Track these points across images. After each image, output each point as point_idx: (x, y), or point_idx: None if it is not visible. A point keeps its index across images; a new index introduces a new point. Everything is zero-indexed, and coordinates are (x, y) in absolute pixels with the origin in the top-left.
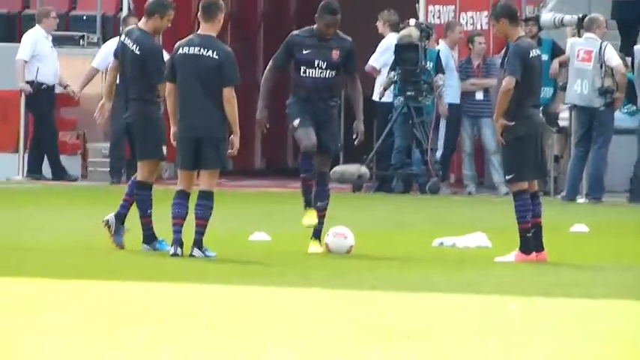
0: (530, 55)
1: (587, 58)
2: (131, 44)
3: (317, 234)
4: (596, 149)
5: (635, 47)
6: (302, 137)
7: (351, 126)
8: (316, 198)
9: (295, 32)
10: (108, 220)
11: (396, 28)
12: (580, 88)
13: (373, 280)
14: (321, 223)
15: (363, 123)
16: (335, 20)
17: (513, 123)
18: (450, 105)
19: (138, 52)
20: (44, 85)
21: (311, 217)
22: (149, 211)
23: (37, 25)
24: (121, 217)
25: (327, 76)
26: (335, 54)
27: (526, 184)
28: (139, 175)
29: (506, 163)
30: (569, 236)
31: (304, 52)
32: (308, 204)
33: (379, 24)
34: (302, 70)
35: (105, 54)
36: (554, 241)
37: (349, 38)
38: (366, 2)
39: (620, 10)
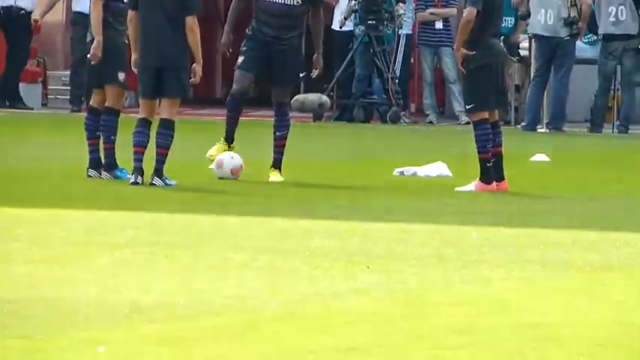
0: None
1: None
2: None
3: (277, 163)
4: (558, 78)
5: None
6: (236, 79)
7: (312, 56)
8: (275, 128)
9: None
10: (99, 176)
11: None
12: (544, 18)
13: (333, 209)
14: (280, 152)
15: (323, 52)
16: None
17: (474, 52)
18: (405, 35)
19: None
20: (23, 11)
21: (218, 150)
22: (112, 138)
23: None
24: (107, 165)
25: (291, 2)
26: None
27: (486, 113)
28: (108, 101)
29: (466, 93)
30: (530, 166)
31: None
32: (227, 138)
33: None
34: None
35: None
36: (515, 171)
37: None
38: None
39: None
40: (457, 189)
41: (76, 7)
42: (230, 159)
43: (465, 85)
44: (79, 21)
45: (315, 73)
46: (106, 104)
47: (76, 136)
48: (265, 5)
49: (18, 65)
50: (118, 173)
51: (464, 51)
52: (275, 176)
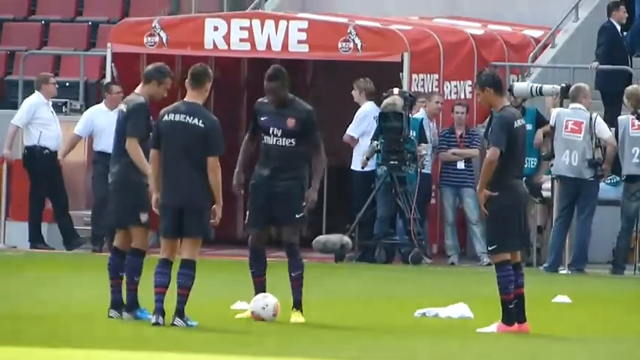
0: (515, 125)
1: (577, 129)
2: (124, 107)
3: (297, 304)
4: (582, 220)
5: (619, 118)
6: (250, 234)
7: (335, 194)
8: (290, 269)
9: (260, 99)
10: (120, 316)
11: (371, 96)
12: (569, 159)
13: (354, 350)
14: (299, 292)
15: (344, 193)
16: (274, 86)
17: (497, 193)
18: (424, 174)
19: (125, 111)
20: (46, 150)
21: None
22: (136, 279)
23: (36, 91)
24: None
25: (282, 144)
26: (290, 122)
27: (509, 255)
28: (134, 242)
29: (489, 234)
30: (551, 307)
31: (262, 118)
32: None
33: (355, 92)
34: (262, 137)
35: (87, 120)
36: (536, 312)
37: (308, 107)
38: (348, 72)
39: (604, 80)
40: (479, 330)
41: (98, 146)
42: (262, 310)
43: (488, 226)
44: (100, 160)
45: (305, 208)
46: (132, 245)
47: (97, 276)
48: (262, 147)
49: (61, 207)
50: (139, 314)
51: (487, 192)
52: (297, 317)
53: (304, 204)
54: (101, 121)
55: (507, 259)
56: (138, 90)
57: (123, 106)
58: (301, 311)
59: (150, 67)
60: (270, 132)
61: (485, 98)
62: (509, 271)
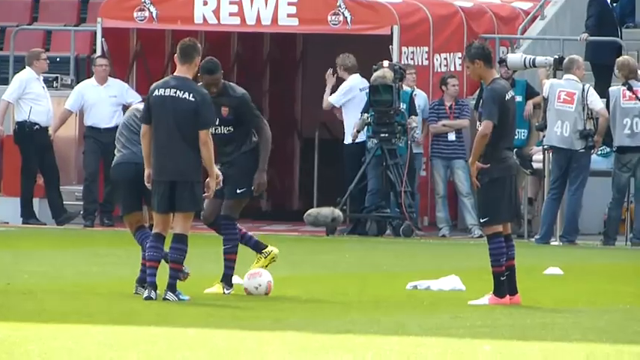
0: (506, 97)
1: (570, 100)
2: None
3: (225, 278)
4: (572, 191)
5: (610, 89)
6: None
7: (325, 170)
8: (224, 242)
9: None
10: (166, 298)
11: (353, 70)
12: (560, 130)
13: (347, 323)
14: (227, 267)
15: (336, 165)
16: (213, 79)
17: (488, 165)
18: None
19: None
20: (37, 126)
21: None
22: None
23: (27, 66)
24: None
25: (222, 132)
26: (224, 110)
27: (500, 227)
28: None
29: (480, 206)
30: (543, 279)
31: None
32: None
33: (338, 69)
34: None
35: (77, 95)
36: (528, 284)
37: (240, 92)
38: (338, 46)
39: (595, 52)
40: (470, 302)
41: (88, 121)
42: (255, 289)
43: (479, 198)
44: (90, 135)
45: (255, 189)
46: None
47: (88, 251)
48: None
49: (52, 182)
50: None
51: (479, 165)
52: (214, 287)
53: (252, 187)
54: (91, 96)
55: (499, 231)
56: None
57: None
58: (224, 285)
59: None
60: None
61: (475, 71)
62: (501, 243)
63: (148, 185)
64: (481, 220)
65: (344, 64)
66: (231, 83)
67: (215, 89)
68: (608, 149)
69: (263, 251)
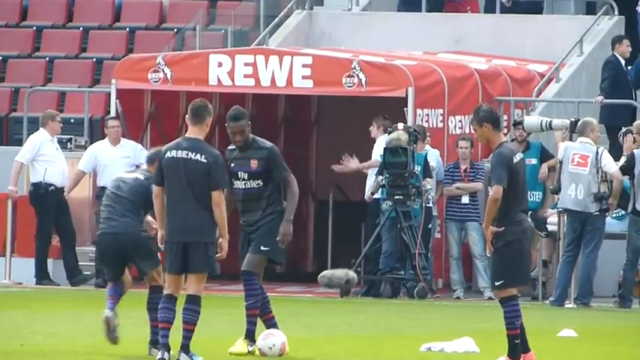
0: (514, 160)
1: (584, 163)
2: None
3: (248, 334)
4: (587, 254)
5: (635, 151)
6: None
7: (340, 228)
8: (245, 298)
9: (229, 147)
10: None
11: (386, 132)
12: (575, 193)
13: None
14: (249, 322)
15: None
16: (238, 126)
17: (502, 229)
18: (428, 209)
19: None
20: (52, 187)
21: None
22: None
23: (40, 128)
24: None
25: (251, 186)
26: (253, 163)
27: (515, 290)
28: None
29: (495, 269)
30: (557, 341)
31: (231, 165)
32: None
33: (372, 129)
34: (233, 183)
35: (90, 156)
36: (542, 346)
37: (268, 144)
38: (353, 108)
39: (609, 114)
40: None
41: (101, 182)
42: (269, 350)
43: (494, 261)
44: (103, 196)
45: (280, 240)
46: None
47: (101, 311)
48: (237, 192)
49: (69, 243)
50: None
51: (493, 228)
52: (239, 346)
53: (277, 238)
54: (104, 157)
55: (514, 294)
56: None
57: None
58: (249, 342)
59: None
60: (239, 176)
61: (482, 134)
62: (517, 306)
63: (162, 247)
64: (496, 283)
65: (384, 125)
66: (258, 137)
67: (240, 138)
68: (623, 212)
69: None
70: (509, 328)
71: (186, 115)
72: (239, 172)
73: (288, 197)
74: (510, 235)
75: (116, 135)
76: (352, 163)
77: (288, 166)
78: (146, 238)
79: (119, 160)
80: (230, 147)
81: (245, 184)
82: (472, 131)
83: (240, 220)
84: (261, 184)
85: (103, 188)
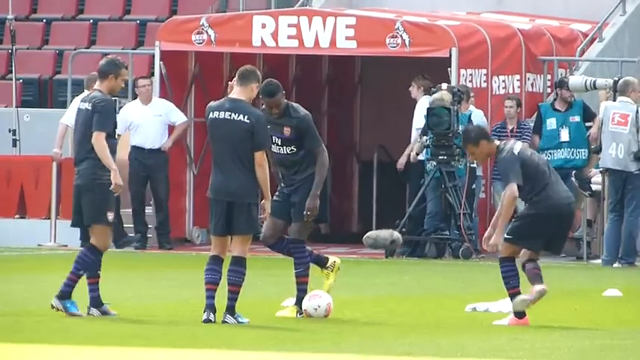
0: (514, 152)
1: (624, 122)
2: (87, 104)
3: (296, 300)
4: (629, 213)
5: None
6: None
7: (384, 191)
8: (296, 264)
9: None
10: (52, 305)
11: (428, 92)
12: (615, 152)
13: (406, 346)
14: (300, 290)
15: (396, 187)
16: (274, 101)
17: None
18: (472, 169)
19: (90, 107)
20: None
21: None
22: (81, 273)
23: (85, 90)
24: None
25: (284, 152)
26: (286, 130)
27: (518, 250)
28: (96, 241)
29: (512, 226)
30: (602, 300)
31: (268, 128)
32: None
33: (412, 89)
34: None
35: (123, 117)
36: (587, 306)
37: (302, 113)
38: (397, 68)
39: None
40: (495, 323)
41: (133, 141)
42: (314, 311)
43: (515, 220)
44: (135, 156)
45: (305, 215)
46: (94, 243)
47: (144, 274)
48: (273, 156)
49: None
50: (69, 305)
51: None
52: (286, 311)
53: (304, 212)
54: (137, 116)
55: (514, 256)
56: (96, 86)
57: (87, 104)
58: (298, 308)
59: (103, 61)
60: (273, 141)
61: (482, 151)
62: (514, 266)
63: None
64: (506, 236)
65: (424, 85)
66: (294, 104)
67: (277, 110)
68: None
69: (327, 266)
70: (509, 287)
71: (231, 80)
72: (273, 137)
73: (317, 169)
74: (542, 209)
75: (147, 94)
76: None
77: (332, 126)
78: (91, 190)
79: (151, 118)
80: (263, 107)
81: (279, 149)
82: (514, 91)
83: (279, 177)
84: (295, 149)
85: (134, 147)
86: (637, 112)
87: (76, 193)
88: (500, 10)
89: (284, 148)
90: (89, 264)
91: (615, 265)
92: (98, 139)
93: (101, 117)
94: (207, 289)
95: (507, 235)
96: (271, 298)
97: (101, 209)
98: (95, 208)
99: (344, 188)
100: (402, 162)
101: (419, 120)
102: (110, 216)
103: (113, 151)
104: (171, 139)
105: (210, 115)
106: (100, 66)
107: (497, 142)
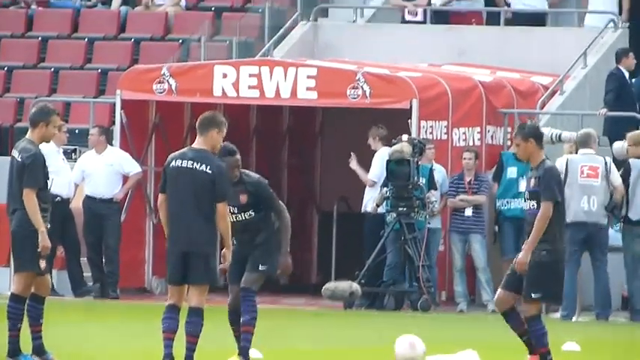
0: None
1: (594, 174)
2: (17, 155)
3: (242, 351)
4: (598, 266)
5: (631, 160)
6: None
7: (344, 240)
8: (243, 313)
9: None
10: None
11: (386, 141)
12: (588, 205)
13: None
14: (244, 339)
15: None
16: (236, 160)
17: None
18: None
19: (20, 160)
20: (58, 198)
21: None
22: (19, 326)
23: None
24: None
25: (242, 219)
26: (242, 198)
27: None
28: (16, 288)
29: (537, 280)
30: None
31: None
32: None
33: (370, 140)
34: None
35: (77, 167)
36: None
37: (255, 176)
38: (357, 119)
39: (612, 127)
40: None
41: (86, 190)
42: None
43: (537, 272)
44: (87, 205)
45: (280, 272)
46: (15, 291)
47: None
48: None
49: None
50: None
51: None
52: None
53: (278, 272)
54: (88, 166)
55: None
56: (28, 135)
57: (16, 154)
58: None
59: (32, 109)
60: (230, 210)
61: (526, 149)
62: (542, 322)
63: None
64: (533, 295)
65: (379, 135)
66: (244, 170)
67: (237, 172)
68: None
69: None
70: (540, 346)
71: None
72: (230, 207)
73: (282, 228)
74: (555, 254)
75: (96, 142)
76: (352, 163)
77: (292, 177)
78: (24, 237)
79: (104, 167)
80: None
81: (236, 216)
82: (474, 143)
83: (234, 241)
84: (252, 214)
85: (87, 197)
86: (605, 163)
87: (12, 239)
88: (461, 62)
89: (242, 214)
90: (40, 313)
91: (575, 318)
92: (28, 197)
93: (31, 173)
94: (164, 337)
95: (533, 294)
96: (229, 350)
97: (33, 257)
98: (27, 255)
99: (303, 239)
100: (372, 207)
101: (375, 171)
102: (42, 264)
103: (48, 201)
104: (123, 190)
105: (172, 164)
106: (30, 115)
107: (544, 156)
